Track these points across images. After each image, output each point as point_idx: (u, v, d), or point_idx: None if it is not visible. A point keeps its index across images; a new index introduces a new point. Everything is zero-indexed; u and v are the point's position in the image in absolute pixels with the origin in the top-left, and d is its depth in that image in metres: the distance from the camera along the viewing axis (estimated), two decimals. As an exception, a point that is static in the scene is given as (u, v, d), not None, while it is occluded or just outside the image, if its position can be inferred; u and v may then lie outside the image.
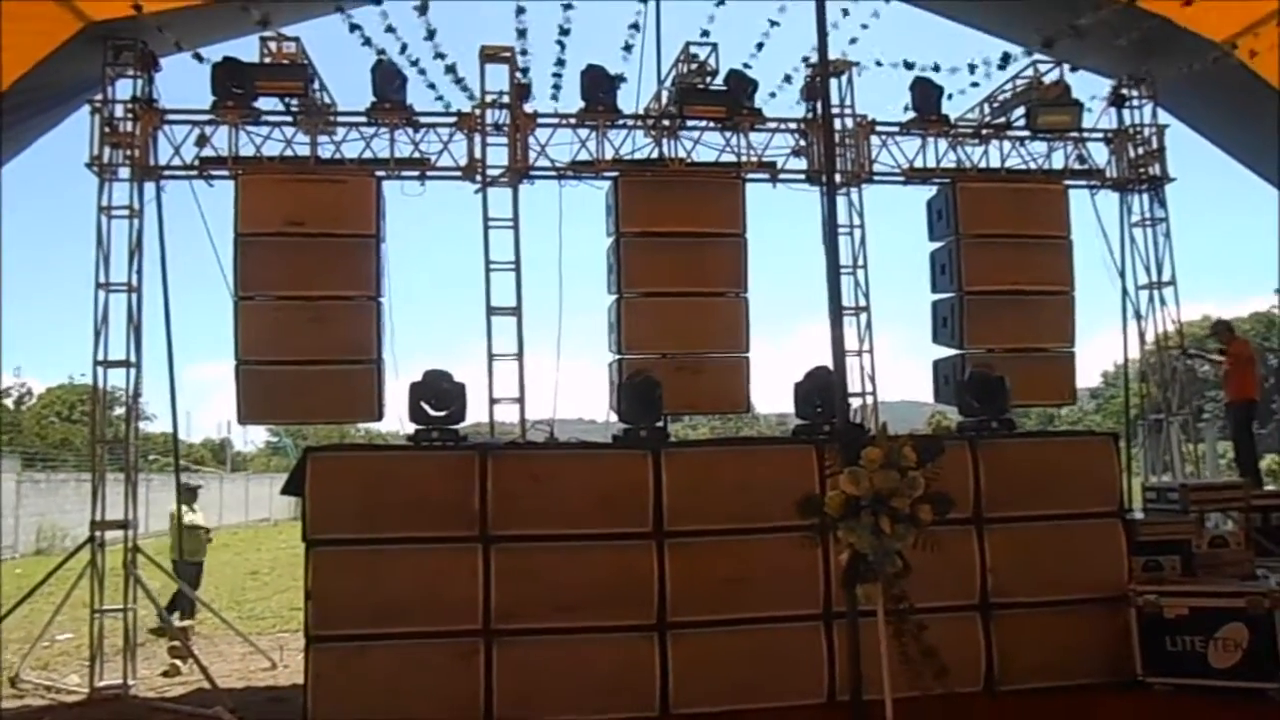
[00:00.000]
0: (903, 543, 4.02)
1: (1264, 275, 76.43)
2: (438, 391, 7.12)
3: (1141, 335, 10.29)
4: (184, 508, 10.50)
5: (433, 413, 7.10)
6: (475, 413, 8.41)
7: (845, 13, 8.29)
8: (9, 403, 42.91)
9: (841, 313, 4.64)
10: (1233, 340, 10.81)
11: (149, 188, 8.62)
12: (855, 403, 9.43)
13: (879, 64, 9.41)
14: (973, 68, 9.33)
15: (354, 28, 8.52)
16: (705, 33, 8.90)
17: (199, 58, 8.65)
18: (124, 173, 8.54)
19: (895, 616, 4.13)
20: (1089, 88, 10.05)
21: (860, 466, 4.01)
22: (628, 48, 8.72)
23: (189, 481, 11.66)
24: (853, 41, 9.05)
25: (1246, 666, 6.62)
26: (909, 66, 9.45)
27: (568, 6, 8.14)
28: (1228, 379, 10.88)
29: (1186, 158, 10.58)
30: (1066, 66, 9.51)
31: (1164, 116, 10.11)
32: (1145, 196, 10.13)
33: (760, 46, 8.81)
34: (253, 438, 55.13)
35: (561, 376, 9.06)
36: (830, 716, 6.66)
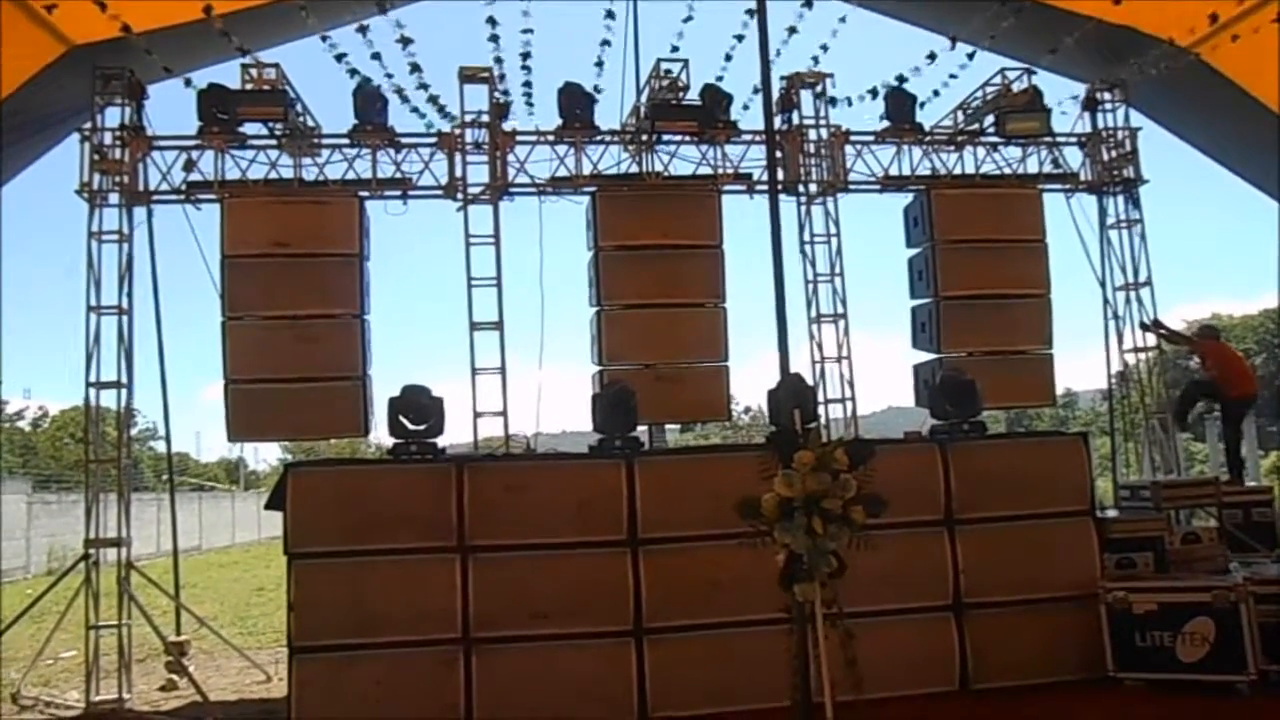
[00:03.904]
0: (836, 543, 4.15)
1: (1269, 271, 75.79)
2: (416, 406, 7.29)
3: (1120, 336, 10.40)
4: None
5: (411, 427, 7.26)
6: (460, 427, 8.60)
7: (795, 25, 8.46)
8: (24, 424, 43.47)
9: (786, 319, 4.76)
10: (1214, 342, 10.68)
11: (138, 212, 8.85)
12: (835, 410, 9.59)
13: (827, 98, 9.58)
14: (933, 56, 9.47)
15: (339, 57, 8.74)
16: (675, 48, 9.10)
17: (188, 82, 8.88)
18: (113, 198, 8.76)
19: (828, 619, 4.25)
20: (1063, 92, 10.21)
21: (793, 469, 4.17)
22: (599, 64, 8.89)
23: None
24: (817, 57, 9.27)
25: (1214, 660, 6.69)
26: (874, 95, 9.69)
27: (527, 31, 8.33)
28: (1221, 379, 10.72)
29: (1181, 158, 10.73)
30: (1036, 73, 9.67)
31: (1137, 119, 10.24)
32: (1120, 199, 10.24)
33: (729, 58, 8.96)
34: (265, 456, 55.50)
35: (545, 390, 9.23)
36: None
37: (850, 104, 9.67)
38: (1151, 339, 10.40)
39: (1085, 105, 10.23)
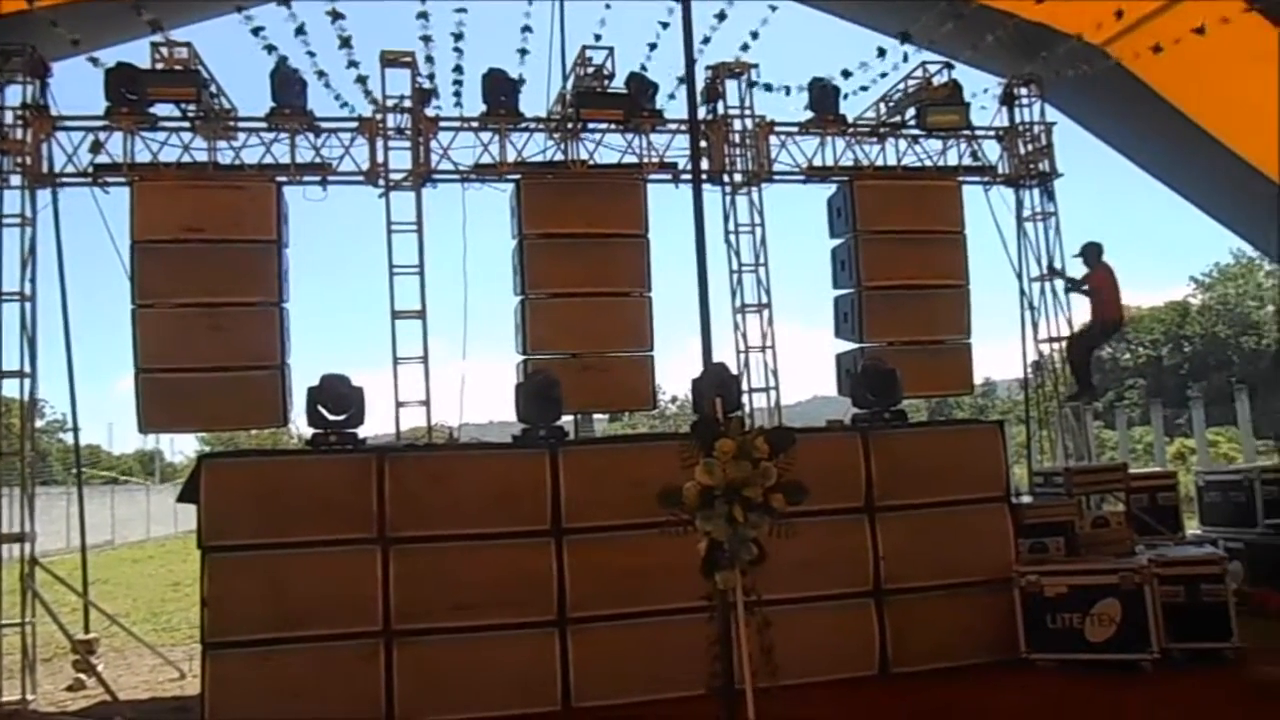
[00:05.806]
0: (757, 531, 4.18)
1: (1174, 264, 78.74)
2: (335, 395, 7.13)
3: (1035, 326, 10.68)
4: None
5: (331, 417, 7.11)
6: (382, 417, 8.44)
7: (724, 12, 8.44)
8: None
9: (709, 309, 4.77)
10: (1099, 266, 10.32)
11: (42, 195, 8.51)
12: (760, 399, 9.67)
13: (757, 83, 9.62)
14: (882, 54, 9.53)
15: (256, 30, 8.43)
16: (598, 36, 9.03)
17: (94, 61, 8.53)
18: (15, 180, 8.40)
19: (747, 608, 4.28)
20: (981, 85, 10.41)
21: (714, 458, 4.18)
22: (523, 52, 8.77)
23: None
24: (748, 44, 9.26)
25: (1120, 639, 6.92)
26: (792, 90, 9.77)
27: (461, 10, 8.14)
28: (1095, 300, 10.43)
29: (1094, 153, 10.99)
30: (956, 67, 9.84)
31: (1052, 114, 10.51)
32: (1036, 191, 10.50)
33: (653, 47, 8.93)
34: (182, 448, 53.84)
35: (470, 379, 9.15)
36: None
37: (783, 92, 9.70)
38: (1064, 330, 10.64)
39: (1003, 100, 10.46)
